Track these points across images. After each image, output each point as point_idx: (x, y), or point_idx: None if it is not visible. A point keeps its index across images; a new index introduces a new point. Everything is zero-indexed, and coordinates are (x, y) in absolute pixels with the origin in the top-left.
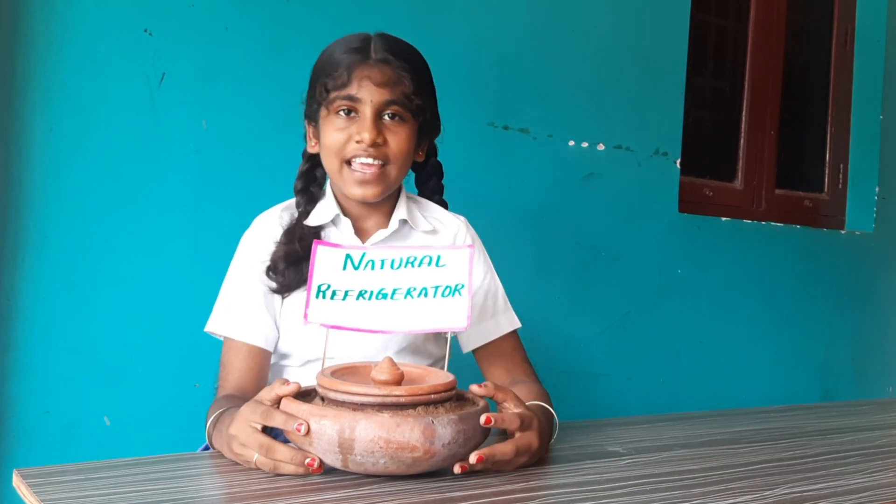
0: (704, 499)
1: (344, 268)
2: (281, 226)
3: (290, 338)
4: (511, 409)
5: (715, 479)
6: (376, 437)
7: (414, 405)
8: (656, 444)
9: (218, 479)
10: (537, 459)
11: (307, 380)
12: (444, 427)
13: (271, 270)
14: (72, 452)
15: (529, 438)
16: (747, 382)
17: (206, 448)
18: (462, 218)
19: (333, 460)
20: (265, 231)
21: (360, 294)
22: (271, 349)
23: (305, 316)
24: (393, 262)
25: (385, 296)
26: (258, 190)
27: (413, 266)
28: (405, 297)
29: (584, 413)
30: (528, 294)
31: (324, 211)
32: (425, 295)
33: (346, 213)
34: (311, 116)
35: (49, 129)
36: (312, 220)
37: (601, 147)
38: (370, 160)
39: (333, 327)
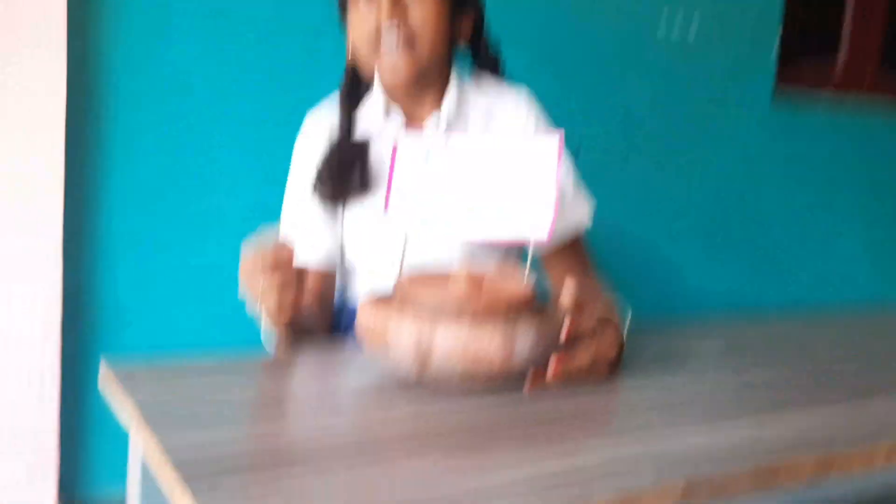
0: (791, 414)
1: (426, 160)
2: (331, 126)
3: (357, 249)
4: (589, 319)
5: (804, 396)
6: (454, 346)
7: (492, 315)
8: (738, 352)
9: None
10: (612, 372)
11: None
12: (525, 336)
13: (318, 181)
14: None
15: (606, 346)
16: (845, 281)
17: None
18: (523, 91)
19: (408, 370)
20: (314, 134)
21: (440, 191)
22: (333, 265)
23: (386, 203)
24: (474, 154)
25: (464, 195)
26: None
27: (493, 159)
28: (485, 196)
29: (663, 307)
30: (607, 178)
31: (371, 106)
32: (504, 194)
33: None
34: (343, 19)
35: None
36: (360, 117)
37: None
38: (393, 39)
39: (411, 231)
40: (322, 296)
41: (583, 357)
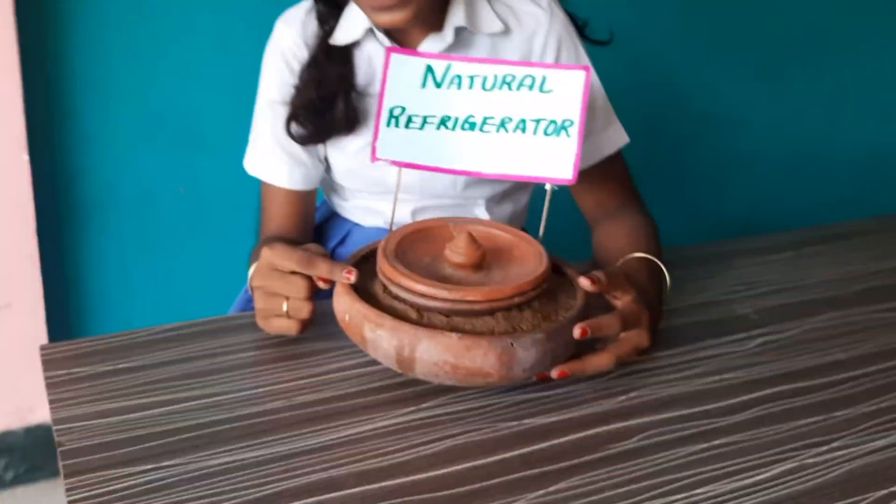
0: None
1: (423, 84)
2: (305, 41)
3: (343, 173)
4: (617, 301)
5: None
6: (441, 360)
7: (491, 311)
8: (800, 298)
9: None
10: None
11: (371, 219)
12: (527, 350)
13: (294, 121)
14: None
15: (637, 339)
16: None
17: (249, 299)
18: (544, 3)
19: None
20: (286, 45)
21: (443, 121)
22: (314, 186)
23: (374, 151)
24: (485, 80)
25: (473, 126)
26: None
27: (510, 88)
28: (498, 129)
29: (720, 161)
30: (665, 28)
31: (352, 23)
32: (523, 130)
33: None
34: None
35: None
36: (339, 37)
37: None
38: None
39: (407, 165)
40: (302, 218)
41: (602, 361)
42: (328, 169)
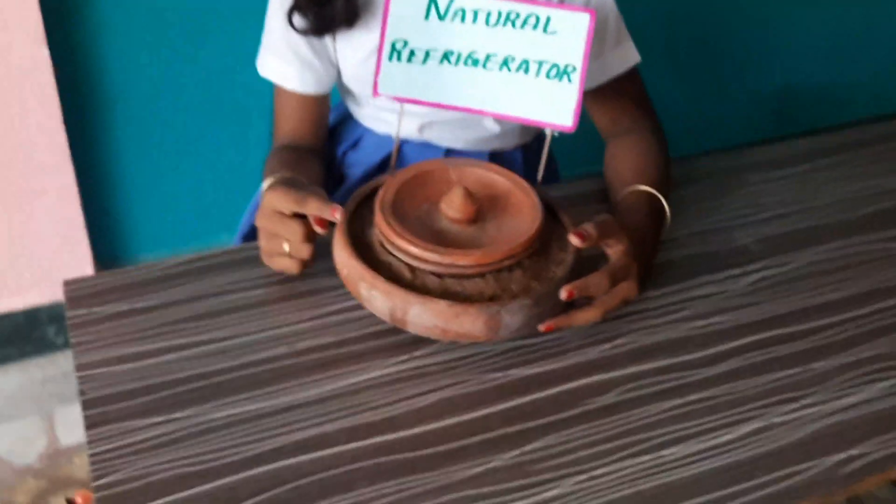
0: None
1: (426, 16)
2: None
3: (352, 79)
4: (610, 249)
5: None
6: (432, 325)
7: (482, 274)
8: (805, 223)
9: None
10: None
11: (383, 127)
12: (513, 315)
13: (295, 8)
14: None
15: (625, 292)
16: None
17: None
18: None
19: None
20: None
21: (446, 56)
22: (326, 91)
23: (375, 86)
24: (489, 15)
25: (476, 62)
26: None
27: (514, 26)
28: (500, 68)
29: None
30: None
31: None
32: (525, 71)
33: None
34: None
35: None
36: None
37: None
38: None
39: (409, 101)
40: (315, 122)
41: (589, 316)
42: (340, 74)
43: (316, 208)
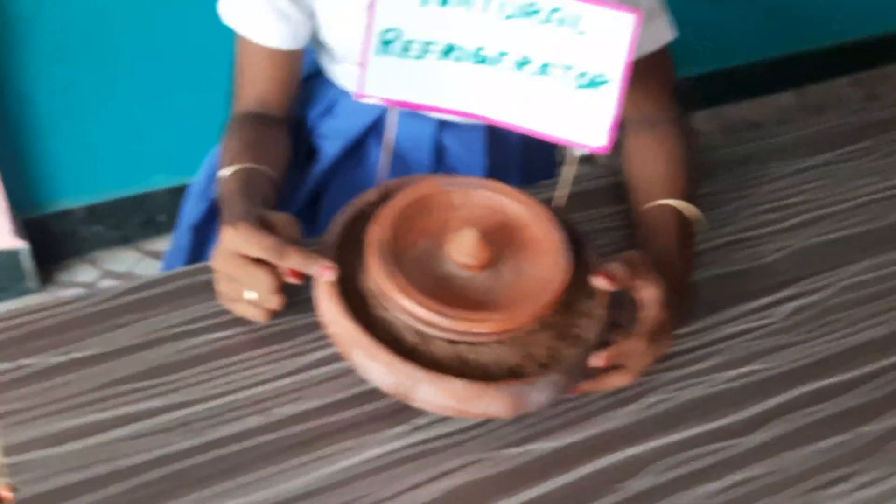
0: None
1: (424, 2)
2: None
3: (336, 32)
4: (640, 293)
5: None
6: (445, 405)
7: (500, 341)
8: (836, 229)
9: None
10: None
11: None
12: (541, 392)
13: None
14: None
15: (660, 350)
16: None
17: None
18: None
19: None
20: None
21: (448, 51)
22: (301, 45)
23: (360, 88)
24: (504, 4)
25: (484, 60)
26: None
27: (535, 20)
28: (515, 69)
29: None
30: None
31: None
32: (544, 72)
33: None
34: None
35: None
36: None
37: None
38: None
39: (402, 104)
40: (286, 83)
41: (620, 382)
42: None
43: (299, 262)
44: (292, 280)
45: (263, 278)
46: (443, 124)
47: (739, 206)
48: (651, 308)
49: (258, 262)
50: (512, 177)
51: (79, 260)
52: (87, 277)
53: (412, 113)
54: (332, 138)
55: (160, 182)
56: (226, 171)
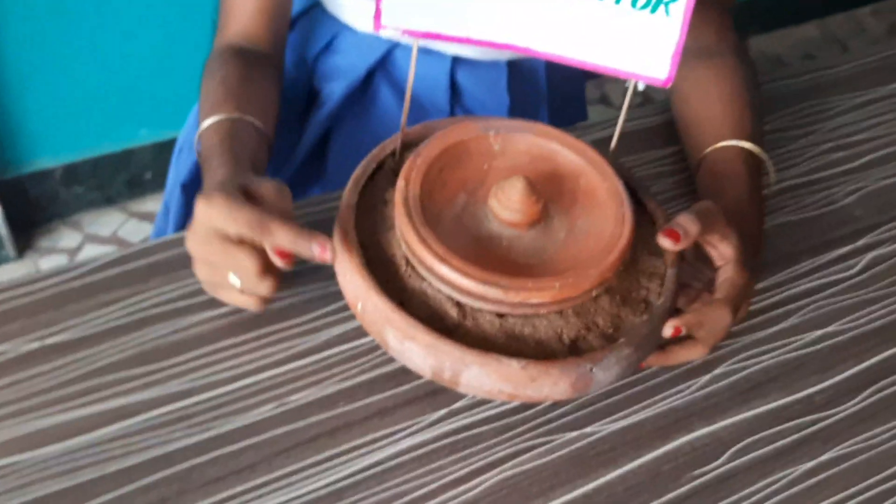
0: None
1: None
2: None
3: None
4: (714, 250)
5: None
6: (496, 389)
7: (559, 311)
8: None
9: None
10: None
11: (366, 21)
12: (608, 370)
13: None
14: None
15: (737, 318)
16: None
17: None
18: None
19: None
20: None
21: None
22: None
23: (377, 15)
24: None
25: None
26: None
27: None
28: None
29: None
30: None
31: None
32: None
33: None
34: None
35: None
36: None
37: None
38: None
39: (425, 35)
40: (274, 17)
41: (693, 355)
42: None
43: (288, 240)
44: (279, 262)
45: (246, 261)
46: (457, 62)
47: (803, 146)
48: (729, 269)
49: (240, 241)
50: (540, 120)
51: (60, 224)
52: (70, 243)
53: (423, 48)
54: (334, 79)
55: (144, 137)
56: (206, 123)
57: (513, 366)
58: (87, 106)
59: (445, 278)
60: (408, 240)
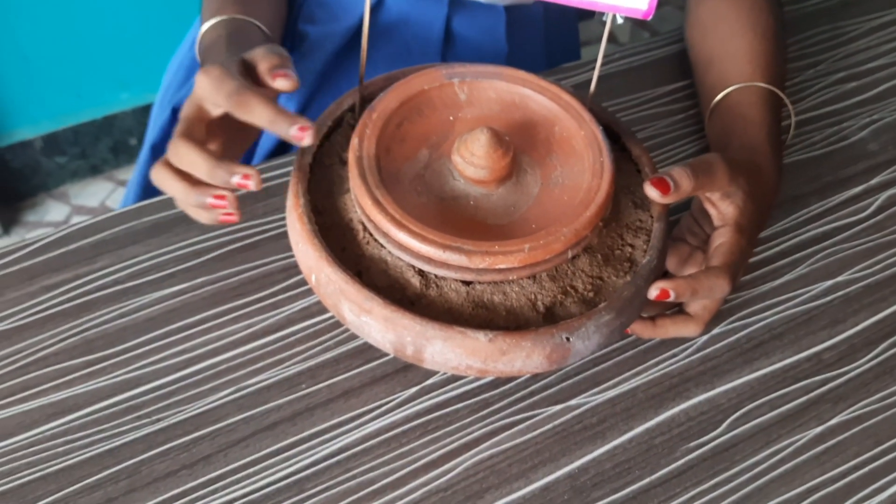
0: None
1: None
2: None
3: None
4: (713, 206)
5: None
6: (463, 365)
7: (532, 275)
8: None
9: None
10: None
11: None
12: (587, 339)
13: None
14: None
15: (733, 286)
16: None
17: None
18: None
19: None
20: None
21: None
22: None
23: None
24: None
25: None
26: None
27: None
28: None
29: None
30: None
31: None
32: None
33: None
34: None
35: None
36: None
37: None
38: None
39: None
40: None
41: (687, 330)
42: None
43: (264, 118)
44: (217, 203)
45: (197, 159)
46: (454, 5)
47: (812, 77)
48: (728, 231)
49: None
50: (538, 65)
51: (46, 197)
52: (58, 215)
53: None
54: (322, 22)
55: (127, 101)
56: (209, 23)
57: (479, 339)
58: (63, 70)
59: (404, 244)
60: (362, 203)
